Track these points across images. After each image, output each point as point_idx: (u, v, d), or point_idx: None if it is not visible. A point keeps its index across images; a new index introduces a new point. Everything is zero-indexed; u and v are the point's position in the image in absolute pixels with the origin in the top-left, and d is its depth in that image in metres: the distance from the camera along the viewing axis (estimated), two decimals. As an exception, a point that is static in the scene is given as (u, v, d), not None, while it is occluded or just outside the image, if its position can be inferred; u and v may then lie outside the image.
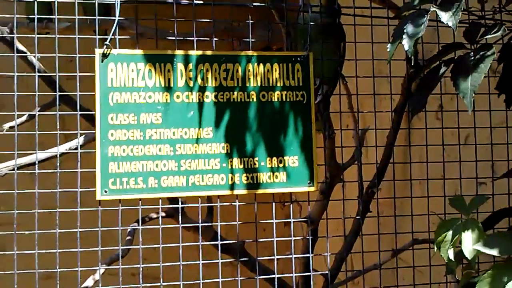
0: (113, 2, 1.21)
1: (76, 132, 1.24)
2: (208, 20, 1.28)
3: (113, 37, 1.21)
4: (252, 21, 1.28)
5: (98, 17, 1.23)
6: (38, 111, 1.45)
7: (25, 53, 1.53)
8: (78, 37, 1.21)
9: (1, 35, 1.51)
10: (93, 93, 1.20)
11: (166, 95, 1.23)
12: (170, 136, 1.22)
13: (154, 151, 1.21)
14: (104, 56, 1.21)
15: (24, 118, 1.61)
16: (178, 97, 1.23)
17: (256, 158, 1.25)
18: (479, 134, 1.38)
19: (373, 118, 1.39)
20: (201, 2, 1.27)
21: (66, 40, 1.26)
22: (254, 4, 1.30)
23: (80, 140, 1.71)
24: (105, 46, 1.20)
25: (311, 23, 1.32)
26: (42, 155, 1.75)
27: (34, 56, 1.34)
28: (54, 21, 2.18)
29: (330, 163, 1.50)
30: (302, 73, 1.28)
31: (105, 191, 1.18)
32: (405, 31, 1.08)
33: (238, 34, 1.77)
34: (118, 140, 1.19)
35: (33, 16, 1.24)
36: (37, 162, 1.32)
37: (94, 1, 1.24)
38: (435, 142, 1.38)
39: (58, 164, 1.24)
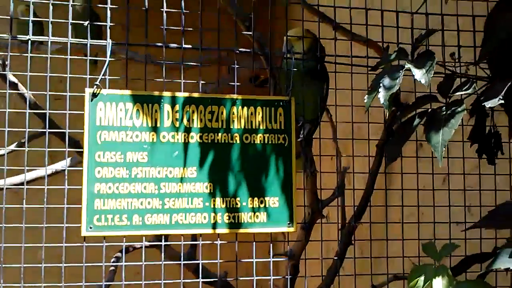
0: (105, 24, 1.26)
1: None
2: (196, 48, 1.32)
3: (103, 77, 1.26)
4: (240, 49, 1.32)
5: (90, 41, 1.26)
6: (28, 140, 1.50)
7: (17, 84, 1.58)
8: (70, 58, 1.25)
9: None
10: (82, 130, 1.24)
11: (153, 135, 1.27)
12: (155, 175, 1.26)
13: (139, 189, 1.25)
14: (94, 95, 1.25)
15: (12, 146, 1.65)
16: (164, 137, 1.28)
17: (238, 198, 1.29)
18: (455, 177, 1.44)
19: (356, 151, 1.43)
20: (189, 46, 1.32)
21: (56, 60, 1.30)
22: (240, 49, 1.35)
23: (68, 161, 1.75)
24: (95, 86, 1.25)
25: (296, 67, 1.38)
26: (29, 175, 1.79)
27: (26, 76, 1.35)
28: (44, 43, 2.22)
29: (312, 199, 1.55)
30: (284, 117, 1.33)
31: (90, 227, 1.21)
32: (381, 84, 1.14)
33: (227, 63, 1.82)
34: (104, 178, 1.23)
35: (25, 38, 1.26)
36: (25, 182, 1.35)
37: (86, 42, 1.28)
38: (414, 180, 1.43)
39: (46, 182, 1.27)
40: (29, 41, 1.27)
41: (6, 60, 1.49)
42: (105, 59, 1.26)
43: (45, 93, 1.25)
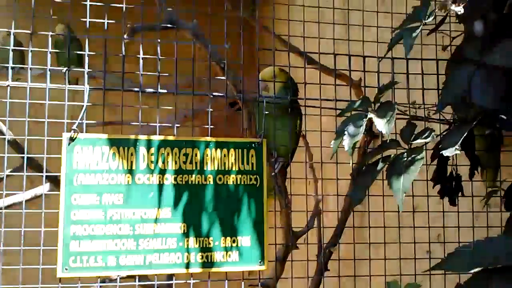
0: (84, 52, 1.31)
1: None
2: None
3: (80, 121, 1.30)
4: (214, 94, 1.38)
5: (68, 87, 1.31)
6: (6, 175, 1.54)
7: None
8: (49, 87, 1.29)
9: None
10: (59, 174, 1.28)
11: (128, 177, 1.31)
12: (130, 216, 1.30)
13: (114, 231, 1.29)
14: (71, 139, 1.29)
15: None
16: (140, 179, 1.32)
17: (211, 238, 1.33)
18: (424, 205, 1.50)
19: (330, 184, 1.49)
20: (164, 91, 1.37)
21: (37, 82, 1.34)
22: (214, 94, 1.40)
23: (46, 187, 1.79)
24: (72, 131, 1.29)
25: (270, 105, 1.43)
26: (8, 200, 1.82)
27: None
28: (26, 68, 2.26)
29: (285, 233, 1.60)
30: (256, 158, 1.39)
31: (66, 269, 1.25)
32: (346, 131, 1.20)
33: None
34: (80, 220, 1.27)
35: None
36: (3, 226, 1.38)
37: (64, 87, 1.33)
38: (390, 204, 1.48)
39: (23, 221, 1.30)
40: (8, 87, 1.31)
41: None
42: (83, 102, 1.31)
43: (24, 137, 1.29)
